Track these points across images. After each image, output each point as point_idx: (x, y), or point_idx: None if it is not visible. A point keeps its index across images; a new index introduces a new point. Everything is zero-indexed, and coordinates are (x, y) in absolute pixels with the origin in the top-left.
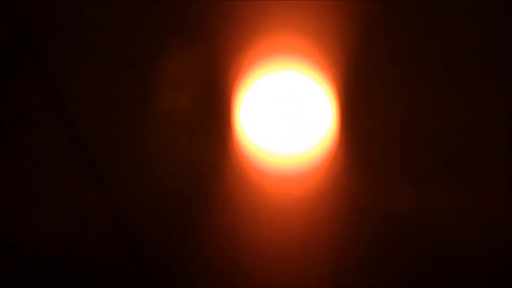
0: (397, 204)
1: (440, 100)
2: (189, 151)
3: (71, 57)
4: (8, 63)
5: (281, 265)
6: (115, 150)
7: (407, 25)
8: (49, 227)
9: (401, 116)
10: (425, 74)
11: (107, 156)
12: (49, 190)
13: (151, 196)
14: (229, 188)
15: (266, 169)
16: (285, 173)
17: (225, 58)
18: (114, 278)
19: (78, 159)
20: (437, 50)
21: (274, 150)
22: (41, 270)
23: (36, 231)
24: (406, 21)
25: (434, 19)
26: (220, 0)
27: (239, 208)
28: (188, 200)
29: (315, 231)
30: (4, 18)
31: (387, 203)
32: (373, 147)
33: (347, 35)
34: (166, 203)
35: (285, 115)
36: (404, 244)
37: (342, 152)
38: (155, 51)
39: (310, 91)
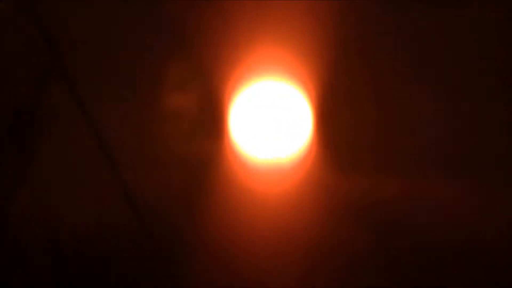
0: (373, 198)
1: (411, 101)
2: (188, 150)
3: (93, 71)
4: (42, 76)
5: (265, 254)
6: (131, 152)
7: (381, 34)
8: (77, 212)
9: (372, 118)
10: (396, 78)
11: (125, 153)
12: (77, 182)
13: (159, 187)
14: (220, 183)
15: (252, 167)
16: (269, 172)
17: (218, 71)
18: (129, 253)
19: (100, 155)
20: (406, 59)
21: (260, 153)
22: (71, 249)
23: (66, 217)
24: (381, 29)
25: (407, 28)
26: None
27: (227, 199)
28: (186, 192)
29: (297, 224)
30: (38, 36)
31: (362, 196)
32: (349, 149)
33: (324, 49)
34: (169, 192)
35: (270, 121)
36: (386, 234)
37: (320, 152)
38: (159, 72)
39: (292, 98)
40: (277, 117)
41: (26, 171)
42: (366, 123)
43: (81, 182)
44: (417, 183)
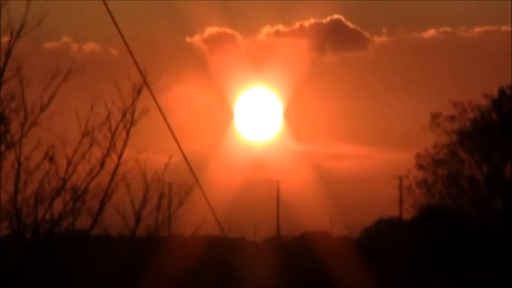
0: (318, 156)
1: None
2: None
3: None
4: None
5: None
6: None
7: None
8: None
9: (325, 115)
10: (333, 93)
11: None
12: None
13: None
14: (227, 152)
15: (248, 144)
16: (258, 146)
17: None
18: None
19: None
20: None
21: (252, 138)
22: None
23: None
24: (317, 67)
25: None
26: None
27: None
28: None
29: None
30: None
31: (313, 156)
32: (306, 129)
33: (291, 77)
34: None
35: (258, 114)
36: None
37: (288, 131)
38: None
39: (270, 100)
40: (262, 111)
41: None
42: (316, 117)
43: None
44: (345, 147)
